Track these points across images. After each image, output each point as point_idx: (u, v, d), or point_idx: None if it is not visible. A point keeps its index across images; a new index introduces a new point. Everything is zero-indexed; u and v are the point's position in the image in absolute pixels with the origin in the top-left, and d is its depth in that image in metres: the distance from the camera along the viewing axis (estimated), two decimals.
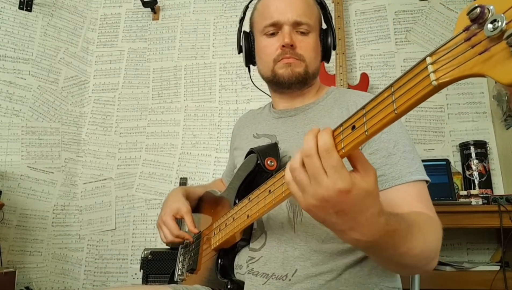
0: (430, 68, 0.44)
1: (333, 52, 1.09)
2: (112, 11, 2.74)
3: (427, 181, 0.84)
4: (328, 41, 1.04)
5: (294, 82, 0.98)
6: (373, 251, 0.64)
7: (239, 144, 1.15)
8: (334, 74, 2.22)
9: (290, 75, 0.97)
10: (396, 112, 0.48)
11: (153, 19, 2.69)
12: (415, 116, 2.23)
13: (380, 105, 0.50)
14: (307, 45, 0.98)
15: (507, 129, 1.99)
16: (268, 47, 1.00)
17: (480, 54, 0.40)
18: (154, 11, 2.66)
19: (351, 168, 0.56)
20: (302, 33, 0.98)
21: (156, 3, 2.60)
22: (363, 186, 0.54)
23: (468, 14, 0.40)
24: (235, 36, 2.59)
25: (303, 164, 0.56)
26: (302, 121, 1.00)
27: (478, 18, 0.39)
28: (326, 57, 1.07)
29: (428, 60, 0.45)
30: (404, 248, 0.63)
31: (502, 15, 0.37)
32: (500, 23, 0.37)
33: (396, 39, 2.37)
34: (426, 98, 0.46)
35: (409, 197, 0.80)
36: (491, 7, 0.39)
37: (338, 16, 2.30)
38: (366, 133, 0.51)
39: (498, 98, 2.04)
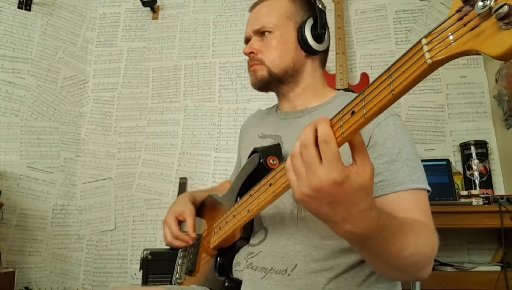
0: (425, 48, 0.47)
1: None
2: (112, 10, 2.73)
3: (428, 191, 0.84)
4: (304, 32, 1.00)
5: (261, 85, 1.04)
6: (364, 246, 0.65)
7: (244, 144, 1.17)
8: (334, 74, 2.21)
9: (254, 80, 1.04)
10: (393, 92, 0.50)
11: (153, 19, 2.68)
12: (416, 116, 2.23)
13: (378, 88, 0.52)
14: (266, 47, 1.02)
15: (508, 129, 1.98)
16: None
17: (471, 30, 0.42)
18: (154, 10, 2.65)
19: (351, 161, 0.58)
20: (264, 35, 1.03)
21: (156, 2, 2.59)
22: (356, 180, 0.56)
23: None
24: (235, 36, 2.61)
25: (301, 153, 0.58)
26: (307, 123, 0.99)
27: None
28: (307, 49, 1.01)
29: (424, 41, 0.47)
30: (395, 247, 0.65)
31: None
32: (489, 1, 0.39)
33: (396, 38, 2.36)
34: (421, 77, 0.48)
35: (408, 204, 0.80)
36: None
37: (338, 15, 2.29)
38: (365, 116, 0.53)
39: (499, 98, 2.03)
